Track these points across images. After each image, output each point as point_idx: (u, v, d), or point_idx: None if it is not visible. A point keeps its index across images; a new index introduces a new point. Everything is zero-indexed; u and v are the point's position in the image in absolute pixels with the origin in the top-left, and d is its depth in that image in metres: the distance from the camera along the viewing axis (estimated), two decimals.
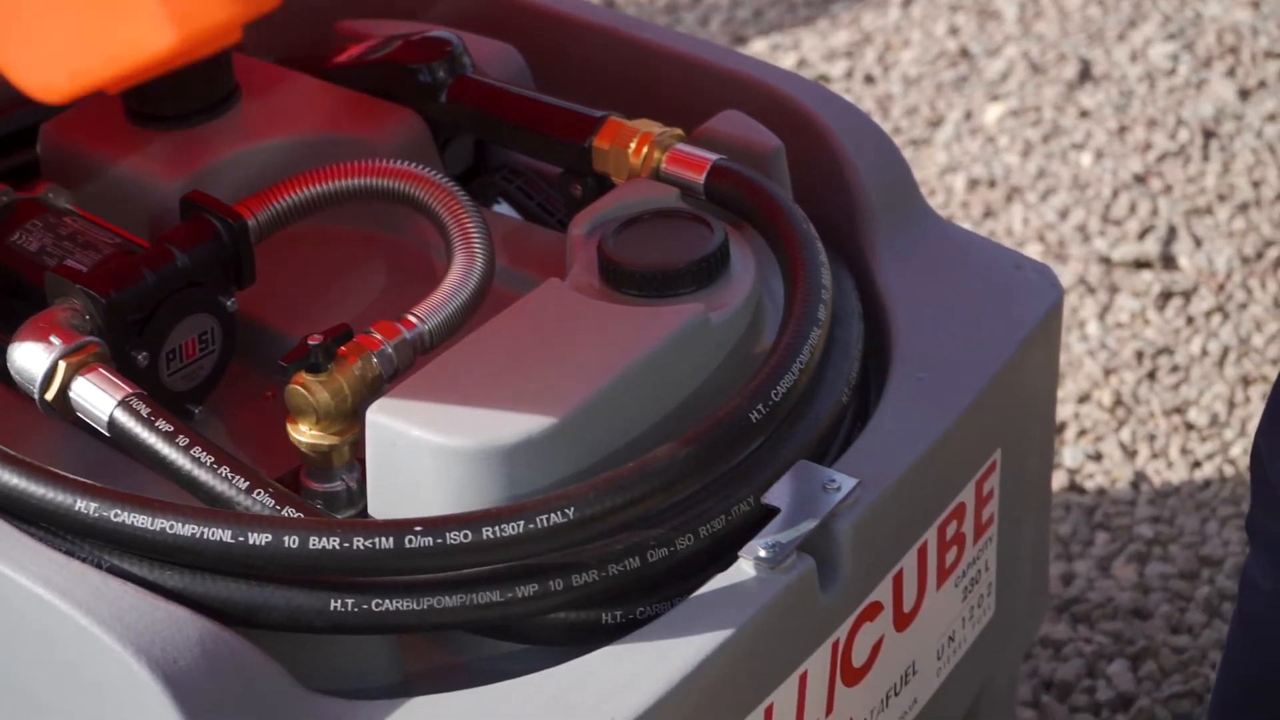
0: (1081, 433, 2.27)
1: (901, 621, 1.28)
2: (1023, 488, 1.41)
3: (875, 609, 1.24)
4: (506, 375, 1.17)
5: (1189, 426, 2.28)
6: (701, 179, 1.33)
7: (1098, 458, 2.24)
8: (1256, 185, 2.68)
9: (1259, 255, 2.55)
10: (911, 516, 1.26)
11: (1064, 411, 2.30)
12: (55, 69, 0.93)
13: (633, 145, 1.36)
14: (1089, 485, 2.21)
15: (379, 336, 1.21)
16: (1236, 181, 2.68)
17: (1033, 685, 1.95)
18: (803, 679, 1.19)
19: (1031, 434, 1.41)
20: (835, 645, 1.21)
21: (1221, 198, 2.65)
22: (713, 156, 1.34)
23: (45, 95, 0.96)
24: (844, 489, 1.18)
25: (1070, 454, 2.24)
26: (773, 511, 1.17)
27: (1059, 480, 2.21)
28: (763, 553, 1.14)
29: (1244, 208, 2.63)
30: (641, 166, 1.36)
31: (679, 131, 1.37)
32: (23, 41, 0.93)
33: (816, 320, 1.22)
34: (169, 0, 0.86)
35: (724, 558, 1.16)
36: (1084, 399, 2.33)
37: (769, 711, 1.16)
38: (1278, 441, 1.39)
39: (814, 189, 1.42)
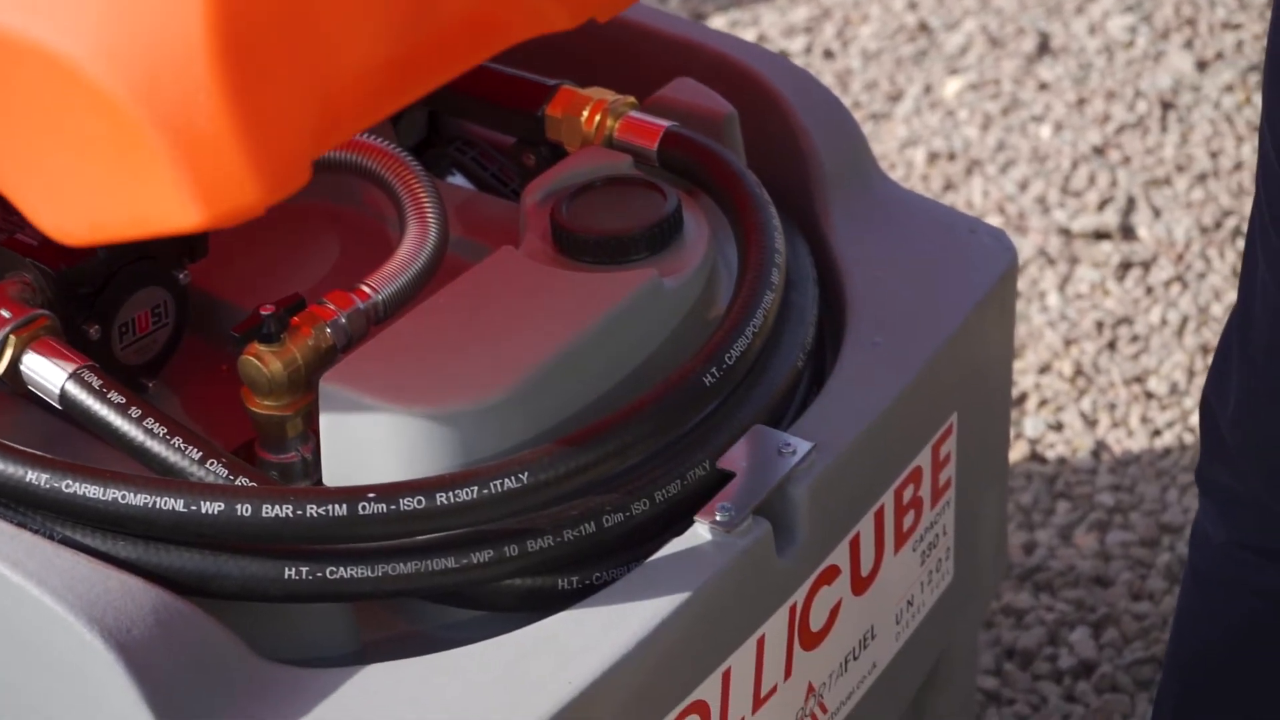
0: (1042, 403, 2.28)
1: (859, 585, 1.28)
2: (980, 452, 1.41)
3: (832, 573, 1.24)
4: (460, 342, 1.17)
5: (1149, 395, 2.29)
6: (654, 146, 1.33)
7: (1058, 427, 2.25)
8: (1214, 156, 2.69)
9: (1217, 225, 2.55)
10: (868, 480, 1.26)
11: (1025, 382, 2.31)
12: (77, 221, 0.92)
13: (585, 113, 1.36)
14: (1050, 455, 2.21)
15: (333, 306, 1.21)
16: (1195, 152, 2.69)
17: (995, 653, 1.95)
18: (760, 643, 1.19)
19: (988, 398, 1.42)
20: (793, 609, 1.21)
21: (1180, 168, 2.66)
22: (665, 123, 1.34)
23: (61, 239, 0.94)
24: (799, 453, 1.18)
25: (1031, 424, 2.24)
26: (728, 476, 1.17)
27: (1020, 450, 2.22)
28: (718, 516, 1.14)
29: (1202, 178, 2.64)
30: (594, 134, 1.35)
31: (632, 99, 1.37)
32: (47, 190, 0.92)
33: (770, 284, 1.22)
34: (199, 183, 0.85)
35: (680, 522, 1.16)
36: (1044, 369, 2.33)
37: (727, 675, 1.16)
38: (1226, 392, 1.40)
39: (768, 155, 1.42)
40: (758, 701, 1.20)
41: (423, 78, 0.89)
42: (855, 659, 1.31)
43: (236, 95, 0.83)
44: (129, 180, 0.87)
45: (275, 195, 0.86)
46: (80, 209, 0.91)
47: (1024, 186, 2.64)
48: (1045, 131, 2.75)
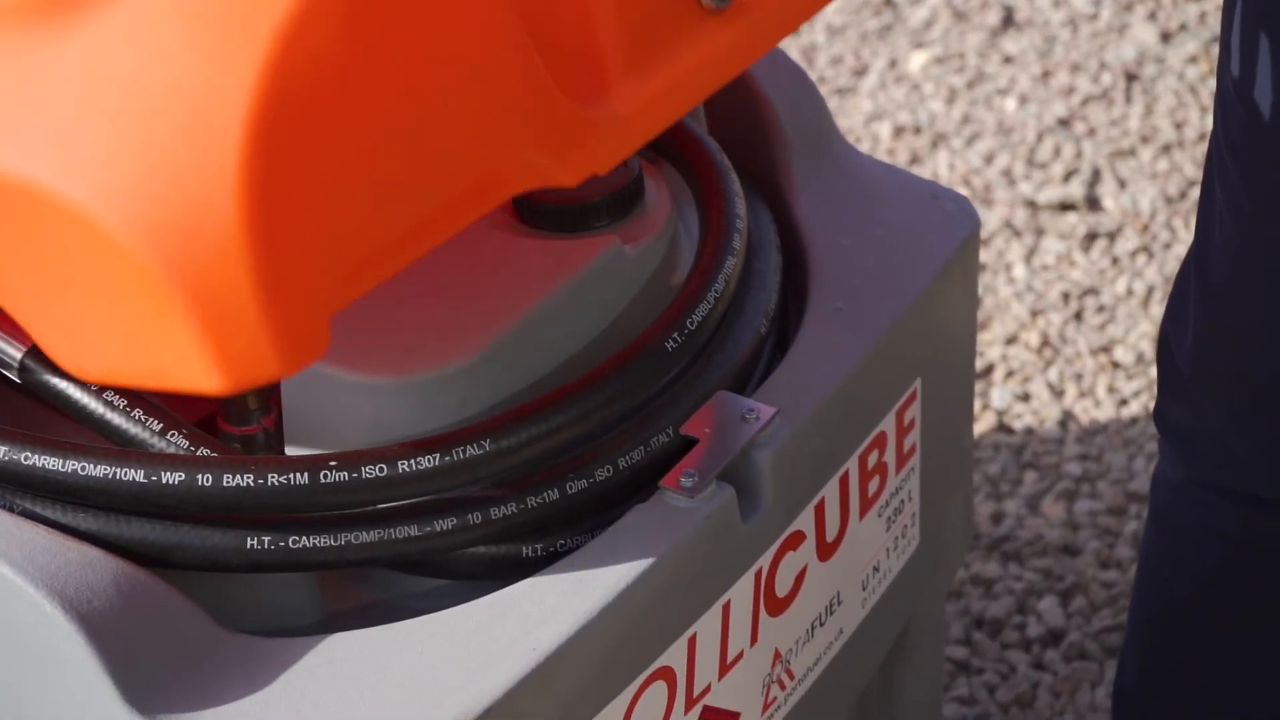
0: (1009, 374, 2.28)
1: (825, 551, 1.28)
2: (945, 418, 1.41)
3: (798, 538, 1.24)
4: (422, 310, 1.17)
5: (1115, 365, 2.29)
6: None
7: (1025, 398, 2.25)
8: (1179, 126, 2.69)
9: (1182, 195, 2.56)
10: (832, 445, 1.26)
11: (991, 353, 2.31)
12: (94, 365, 0.92)
13: None
14: (1017, 425, 2.22)
15: None
16: (1159, 123, 2.69)
17: (964, 623, 1.96)
18: (726, 608, 1.19)
19: (952, 363, 1.42)
20: (758, 574, 1.21)
21: (1145, 139, 2.67)
22: None
23: (76, 375, 0.95)
24: (763, 418, 1.18)
25: (998, 395, 2.25)
26: (692, 442, 1.17)
27: (987, 421, 2.22)
28: (683, 482, 1.14)
29: (1167, 149, 2.65)
30: None
31: None
32: (66, 332, 0.91)
33: (732, 249, 1.22)
34: (223, 353, 0.86)
35: (644, 489, 1.16)
36: (1011, 340, 2.33)
37: (692, 641, 1.16)
38: (1183, 328, 1.40)
39: (731, 124, 1.41)
40: (724, 668, 1.20)
41: (433, 236, 0.91)
42: (822, 625, 1.31)
43: (265, 271, 0.84)
44: (151, 340, 0.87)
45: (295, 366, 0.87)
46: (98, 355, 0.91)
47: (989, 159, 2.64)
48: (1010, 104, 2.75)
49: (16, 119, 0.86)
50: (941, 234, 1.38)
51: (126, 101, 0.85)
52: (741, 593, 1.20)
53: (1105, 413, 2.23)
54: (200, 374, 0.86)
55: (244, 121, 0.83)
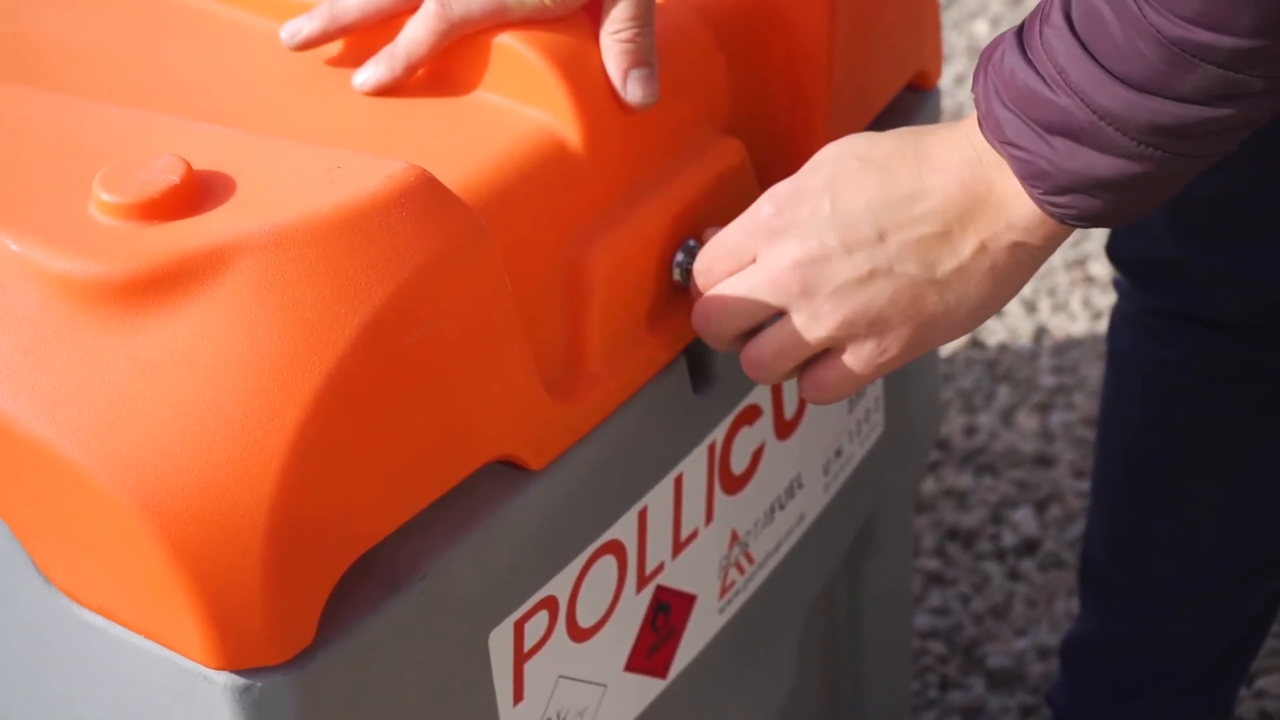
0: None
1: (783, 429, 1.24)
2: None
3: (754, 412, 1.20)
4: None
5: (1089, 280, 2.25)
6: None
7: (999, 313, 2.21)
8: None
9: None
10: None
11: None
12: (86, 595, 0.94)
13: None
14: (990, 341, 2.17)
15: None
16: None
17: (936, 535, 1.91)
18: (678, 482, 1.14)
19: None
20: (712, 448, 1.17)
21: None
22: None
23: (63, 591, 0.97)
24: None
25: None
26: None
27: (960, 338, 2.18)
28: None
29: None
30: None
31: None
32: (67, 562, 0.94)
33: None
34: (222, 639, 0.89)
35: None
36: None
37: (643, 514, 1.12)
38: None
39: None
40: (677, 545, 1.16)
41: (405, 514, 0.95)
42: (782, 508, 1.27)
43: (276, 582, 0.88)
44: (152, 607, 0.90)
45: (284, 658, 0.90)
46: (94, 592, 0.93)
47: (960, 81, 2.60)
48: (982, 27, 2.71)
49: (67, 394, 0.88)
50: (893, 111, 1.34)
51: (180, 397, 0.87)
52: (694, 466, 1.15)
53: (1080, 326, 2.18)
54: (194, 650, 0.89)
55: (284, 454, 0.87)
